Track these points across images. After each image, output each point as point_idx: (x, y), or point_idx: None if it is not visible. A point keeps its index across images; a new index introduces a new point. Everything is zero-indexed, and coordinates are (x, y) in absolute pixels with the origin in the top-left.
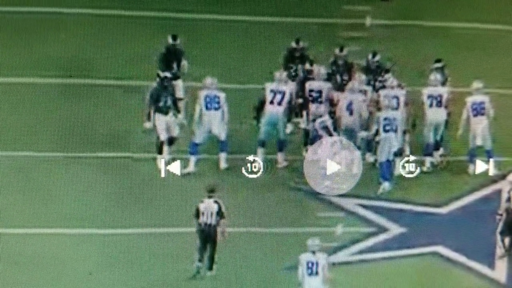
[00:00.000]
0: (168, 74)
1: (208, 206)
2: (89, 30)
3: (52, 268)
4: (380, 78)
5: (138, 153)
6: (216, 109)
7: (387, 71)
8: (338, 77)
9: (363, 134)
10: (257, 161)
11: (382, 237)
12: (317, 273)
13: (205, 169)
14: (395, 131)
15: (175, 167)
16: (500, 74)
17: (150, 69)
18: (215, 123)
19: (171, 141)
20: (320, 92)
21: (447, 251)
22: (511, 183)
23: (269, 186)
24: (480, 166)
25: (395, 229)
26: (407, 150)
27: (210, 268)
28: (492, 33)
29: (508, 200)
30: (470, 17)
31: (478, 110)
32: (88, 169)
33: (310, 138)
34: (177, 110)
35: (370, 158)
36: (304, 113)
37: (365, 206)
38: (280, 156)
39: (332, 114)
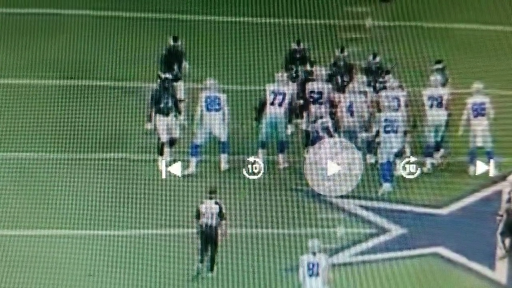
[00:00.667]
0: (169, 76)
1: (209, 207)
2: (90, 31)
3: (53, 269)
4: (380, 79)
5: (139, 154)
6: (217, 110)
7: (387, 72)
8: (339, 78)
9: (363, 135)
10: (257, 162)
11: (382, 238)
12: (317, 274)
13: (206, 170)
14: (396, 132)
15: (176, 168)
16: (500, 75)
17: (151, 70)
18: (216, 124)
19: (172, 142)
20: (320, 93)
21: (447, 252)
22: (511, 184)
23: (270, 187)
24: (480, 167)
25: (395, 230)
26: (408, 151)
27: (211, 269)
28: (492, 34)
29: (509, 201)
30: (470, 18)
31: (479, 111)
32: (89, 170)
33: (310, 139)
34: (178, 112)
35: (370, 159)
36: (305, 114)
37: (365, 207)
38: (280, 157)
39: (332, 115)
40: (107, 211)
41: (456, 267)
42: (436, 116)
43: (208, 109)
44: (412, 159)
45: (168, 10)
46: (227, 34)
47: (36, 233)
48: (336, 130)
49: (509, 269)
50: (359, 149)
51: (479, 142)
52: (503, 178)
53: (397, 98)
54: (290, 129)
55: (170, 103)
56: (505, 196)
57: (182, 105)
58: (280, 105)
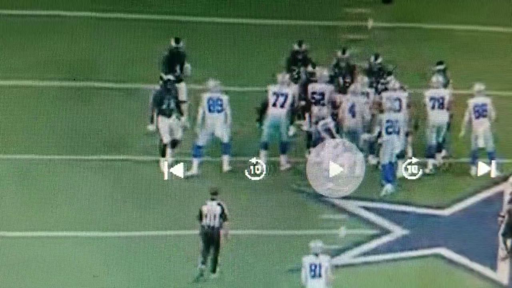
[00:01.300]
0: (171, 77)
1: (211, 208)
2: (91, 33)
3: (56, 271)
4: (382, 80)
5: (141, 155)
6: (219, 111)
7: (389, 73)
8: (341, 80)
9: (365, 136)
10: (260, 163)
11: (385, 239)
12: (320, 275)
13: (208, 171)
14: (398, 133)
15: (178, 170)
16: (501, 76)
17: (153, 72)
18: (218, 125)
19: (174, 143)
20: (322, 94)
21: (449, 253)
22: None
23: (272, 188)
24: (482, 168)
25: (397, 231)
26: (410, 152)
27: (213, 270)
28: (493, 35)
29: (510, 201)
30: (471, 20)
31: (480, 112)
32: (91, 172)
33: (312, 140)
34: (180, 113)
35: (372, 160)
36: (307, 115)
37: (368, 208)
38: (283, 159)
39: (334, 116)
40: (109, 212)
41: (458, 268)
42: (438, 117)
43: (210, 111)
44: (414, 160)
45: (170, 12)
46: (229, 35)
47: (37, 235)
48: (338, 131)
49: (511, 269)
50: (361, 150)
51: (481, 143)
52: (505, 179)
53: (399, 99)
54: (292, 130)
55: (172, 105)
56: (506, 197)
57: (184, 107)
58: (282, 106)
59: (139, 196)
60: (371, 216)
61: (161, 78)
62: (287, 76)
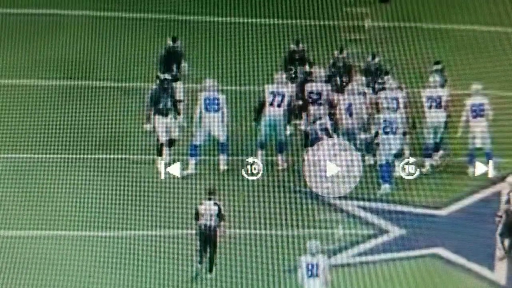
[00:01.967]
0: (168, 76)
1: (208, 208)
2: (89, 32)
3: (52, 270)
4: (379, 80)
5: (137, 155)
6: (215, 111)
7: (386, 73)
8: (338, 79)
9: (362, 136)
10: (256, 163)
11: (382, 239)
12: (317, 275)
13: (204, 171)
14: (395, 132)
15: (175, 169)
16: (499, 76)
17: (150, 71)
18: (215, 125)
19: (171, 143)
20: (319, 94)
21: (447, 253)
22: (510, 185)
23: (269, 188)
24: (479, 167)
25: (395, 231)
26: (407, 152)
27: (210, 270)
28: (491, 35)
29: (508, 201)
30: (469, 19)
31: (478, 112)
32: (88, 171)
33: (309, 140)
34: (177, 112)
35: (369, 160)
36: (304, 115)
37: (365, 208)
38: (279, 158)
39: (331, 116)
40: (106, 212)
41: (456, 268)
42: (435, 117)
43: (207, 110)
44: (411, 160)
45: (167, 11)
46: (226, 34)
47: (35, 234)
48: (335, 130)
49: (509, 269)
50: (358, 150)
51: (478, 143)
52: (502, 179)
53: (396, 99)
54: (289, 130)
55: (169, 104)
56: (504, 197)
57: (181, 106)
58: (279, 105)
59: (136, 195)
60: (368, 216)
61: (157, 77)
62: (284, 75)
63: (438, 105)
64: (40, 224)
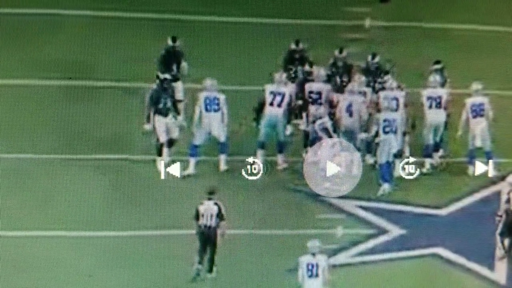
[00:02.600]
0: (167, 76)
1: (208, 208)
2: (88, 32)
3: (51, 270)
4: (379, 80)
5: (137, 155)
6: (215, 110)
7: (386, 72)
8: (338, 79)
9: (362, 135)
10: (256, 163)
11: (382, 238)
12: (317, 275)
13: (204, 171)
14: (395, 132)
15: (175, 169)
16: (499, 75)
17: (150, 71)
18: (215, 125)
19: (170, 143)
20: (319, 93)
21: (447, 252)
22: (510, 185)
23: (269, 188)
24: (479, 167)
25: (395, 231)
26: (407, 152)
27: (210, 270)
28: (491, 34)
29: (508, 201)
30: (469, 19)
31: (478, 112)
32: (88, 171)
33: (309, 140)
34: (177, 112)
35: (370, 159)
36: (304, 114)
37: (365, 208)
38: (279, 158)
39: (331, 115)
40: (106, 212)
41: (456, 267)
42: (435, 116)
43: (207, 110)
44: (411, 159)
45: (167, 11)
46: (226, 34)
47: (36, 234)
48: (335, 130)
49: (509, 269)
50: (358, 149)
51: (478, 143)
52: (502, 178)
53: (396, 99)
54: (289, 130)
55: (169, 104)
56: (504, 197)
57: (181, 106)
58: (279, 105)
59: (136, 195)
60: (368, 216)
61: (157, 77)
62: (284, 75)
63: (438, 105)
64: (41, 225)
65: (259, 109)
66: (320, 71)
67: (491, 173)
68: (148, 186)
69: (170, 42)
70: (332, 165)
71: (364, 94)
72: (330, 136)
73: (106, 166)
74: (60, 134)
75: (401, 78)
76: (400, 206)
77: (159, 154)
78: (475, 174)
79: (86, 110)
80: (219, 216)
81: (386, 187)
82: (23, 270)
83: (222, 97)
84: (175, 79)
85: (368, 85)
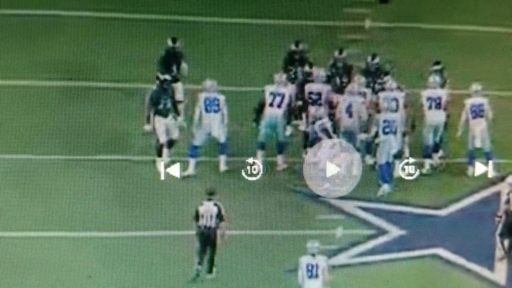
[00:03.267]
0: (167, 77)
1: (208, 208)
2: (89, 33)
3: (51, 271)
4: (379, 80)
5: (137, 155)
6: (215, 111)
7: (386, 73)
8: (338, 80)
9: (362, 136)
10: (256, 163)
11: (382, 239)
12: (317, 275)
13: (204, 171)
14: (395, 133)
15: (175, 170)
16: (499, 76)
17: (150, 71)
18: (215, 125)
19: (170, 143)
20: (319, 94)
21: (446, 253)
22: (510, 185)
23: (269, 188)
24: (479, 168)
25: (394, 232)
26: (407, 152)
27: (210, 271)
28: (491, 35)
29: (507, 202)
30: (469, 20)
31: (477, 112)
32: (88, 171)
33: (309, 141)
34: (177, 113)
35: (369, 160)
36: (304, 115)
37: (364, 209)
38: (279, 159)
39: (331, 116)
40: (106, 212)
41: (455, 268)
42: (435, 117)
43: (207, 110)
44: (411, 160)
45: (167, 12)
46: (226, 35)
47: (35, 235)
48: (335, 131)
49: (508, 270)
50: (358, 150)
51: (478, 143)
52: (502, 179)
53: (396, 99)
54: (289, 130)
55: (169, 104)
56: (503, 197)
57: (181, 106)
58: (279, 106)
59: (136, 196)
60: (368, 216)
61: (157, 77)
62: (284, 76)
63: (438, 106)
64: (40, 225)
65: (259, 110)
66: (320, 72)
67: (491, 174)
68: (148, 186)
69: (170, 43)
70: (332, 166)
71: (364, 95)
72: (330, 137)
73: (106, 166)
74: (60, 134)
75: (401, 79)
76: (400, 206)
77: (159, 154)
78: (475, 175)
79: (86, 111)
80: (219, 216)
81: (386, 187)
82: (22, 270)
83: (222, 98)
84: (175, 80)
85: (368, 86)
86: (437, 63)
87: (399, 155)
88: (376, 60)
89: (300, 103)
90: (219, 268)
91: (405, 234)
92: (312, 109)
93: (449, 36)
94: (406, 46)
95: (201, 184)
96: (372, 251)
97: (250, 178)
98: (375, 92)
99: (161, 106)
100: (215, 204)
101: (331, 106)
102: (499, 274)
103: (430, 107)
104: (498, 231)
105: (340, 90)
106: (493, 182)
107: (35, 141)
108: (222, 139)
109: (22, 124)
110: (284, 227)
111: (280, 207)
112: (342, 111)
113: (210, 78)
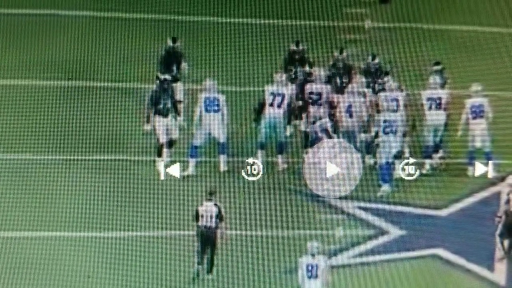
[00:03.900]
0: (167, 77)
1: (208, 208)
2: (89, 32)
3: (50, 271)
4: (379, 81)
5: (137, 155)
6: (215, 111)
7: (386, 73)
8: (338, 80)
9: (362, 136)
10: (256, 163)
11: (382, 239)
12: (316, 276)
13: (204, 171)
14: (395, 133)
15: (175, 170)
16: (499, 76)
17: (150, 71)
18: (215, 125)
19: (170, 143)
20: (319, 94)
21: (446, 253)
22: (510, 185)
23: (269, 188)
24: (479, 168)
25: (395, 232)
26: (407, 153)
27: (210, 271)
28: (491, 36)
29: (507, 202)
30: (469, 20)
31: (477, 113)
32: (87, 171)
33: (309, 141)
34: (177, 113)
35: (369, 160)
36: (304, 115)
37: (364, 209)
38: (279, 159)
39: (331, 116)
40: (105, 212)
41: (455, 268)
42: (435, 117)
43: (207, 110)
44: (411, 160)
45: (167, 11)
46: (226, 35)
47: (35, 235)
48: (335, 131)
49: (508, 270)
50: (358, 150)
51: (478, 144)
52: (502, 179)
53: (396, 100)
54: (289, 131)
55: (169, 104)
56: (503, 198)
57: (181, 106)
58: (279, 106)
59: (135, 196)
60: (368, 217)
61: (157, 77)
62: (284, 76)
63: (438, 106)
64: (40, 225)
65: (259, 110)
66: (320, 72)
67: (491, 174)
68: (148, 186)
69: (170, 43)
70: (332, 166)
71: (364, 95)
72: (330, 137)
73: (106, 166)
74: (60, 134)
75: (401, 79)
76: (400, 207)
77: (159, 154)
78: (475, 175)
79: (86, 111)
80: (219, 217)
81: (386, 188)
82: (22, 270)
83: (222, 97)
84: (175, 79)
85: (368, 86)
86: (437, 63)
87: (399, 155)
88: (377, 60)
89: (300, 103)
90: (218, 268)
91: (405, 234)
92: (312, 109)
93: (449, 36)
94: (406, 47)
95: (201, 184)
96: (372, 252)
97: (250, 178)
98: (375, 92)
99: (161, 106)
100: (215, 204)
101: (331, 106)
102: (499, 274)
103: (430, 107)
104: (498, 231)
105: (340, 90)
106: (493, 182)
107: (34, 141)
108: (222, 139)
109: (22, 124)
110: (284, 227)
111: (280, 207)
112: (342, 111)
113: (210, 78)
